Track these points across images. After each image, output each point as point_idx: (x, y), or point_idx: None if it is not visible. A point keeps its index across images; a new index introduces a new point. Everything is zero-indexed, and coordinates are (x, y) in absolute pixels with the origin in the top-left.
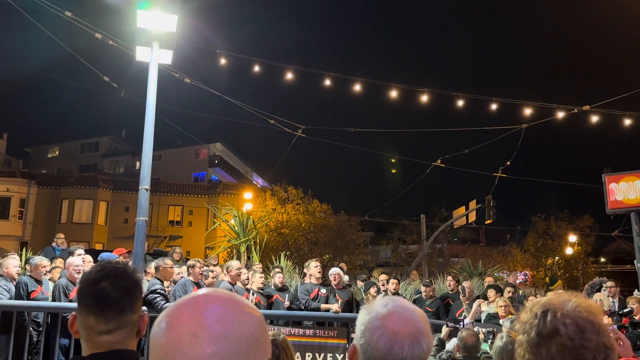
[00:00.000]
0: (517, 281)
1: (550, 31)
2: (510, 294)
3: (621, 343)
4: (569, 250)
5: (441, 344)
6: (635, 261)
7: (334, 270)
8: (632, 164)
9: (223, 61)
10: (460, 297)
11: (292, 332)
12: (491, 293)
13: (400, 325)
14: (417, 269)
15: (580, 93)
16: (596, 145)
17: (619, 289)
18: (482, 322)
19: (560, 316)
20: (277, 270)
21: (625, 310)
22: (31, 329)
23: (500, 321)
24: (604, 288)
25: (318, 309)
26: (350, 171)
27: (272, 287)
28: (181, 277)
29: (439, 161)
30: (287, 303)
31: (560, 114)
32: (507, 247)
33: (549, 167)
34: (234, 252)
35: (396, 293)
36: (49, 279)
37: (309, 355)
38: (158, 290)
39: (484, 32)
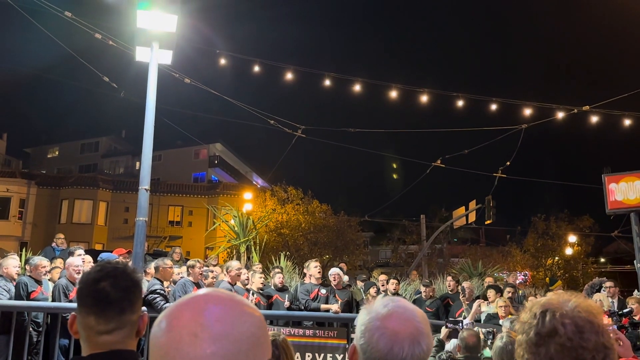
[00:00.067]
0: (517, 281)
1: (550, 31)
2: (510, 294)
3: (621, 343)
4: (568, 251)
5: (441, 345)
6: (635, 261)
7: (333, 271)
8: (632, 164)
9: (223, 61)
10: (460, 297)
11: (292, 333)
12: (491, 293)
13: (400, 326)
14: (417, 269)
15: (580, 93)
16: (596, 146)
17: (619, 289)
18: (482, 322)
19: (559, 316)
20: (277, 270)
21: (625, 311)
22: (31, 329)
23: (500, 321)
24: (603, 288)
25: (318, 309)
26: (350, 171)
27: (272, 287)
28: (181, 278)
29: (438, 161)
30: (287, 303)
31: (560, 114)
32: (507, 248)
33: (549, 168)
34: (234, 253)
35: (396, 293)
36: (49, 279)
37: (308, 356)
38: (158, 291)
39: (484, 32)
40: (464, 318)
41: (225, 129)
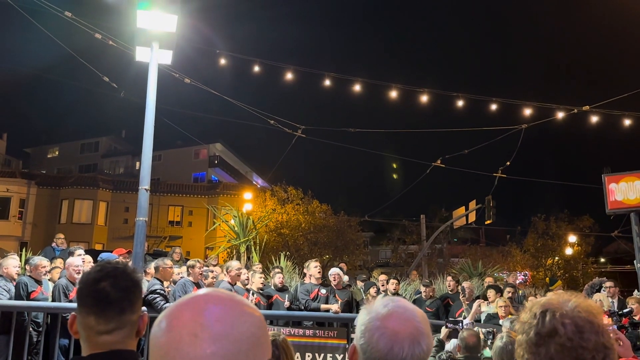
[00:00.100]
0: (517, 281)
1: (550, 31)
2: (510, 294)
3: (621, 343)
4: (568, 251)
5: (441, 345)
6: (635, 261)
7: (333, 271)
8: (632, 164)
9: (223, 61)
10: (460, 297)
11: (292, 333)
12: (491, 293)
13: (400, 326)
14: (417, 269)
15: (580, 93)
16: (596, 146)
17: (619, 289)
18: (482, 322)
19: (559, 316)
20: (276, 270)
21: (625, 311)
22: (31, 329)
23: (500, 321)
24: (603, 288)
25: (318, 309)
26: (350, 171)
27: (272, 287)
28: (181, 278)
29: (438, 161)
30: (287, 303)
31: (560, 114)
32: (507, 248)
33: (549, 168)
34: (234, 253)
35: (396, 293)
36: (49, 279)
37: (308, 356)
38: (158, 291)
39: (484, 32)
40: (464, 318)
41: (225, 129)
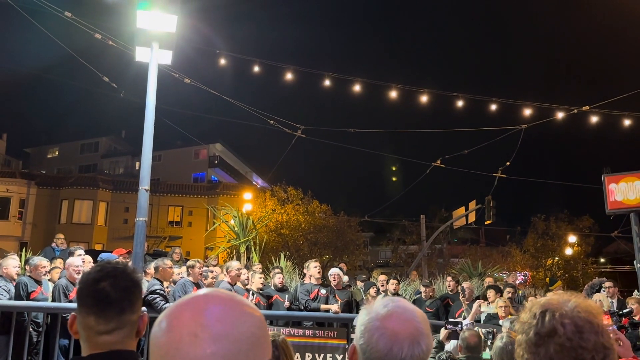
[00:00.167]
0: (517, 281)
1: (550, 31)
2: (509, 295)
3: (621, 343)
4: (568, 251)
5: (440, 346)
6: (635, 262)
7: (333, 271)
8: (632, 164)
9: (223, 61)
10: (460, 297)
11: (292, 333)
12: (491, 293)
13: (399, 326)
14: (416, 269)
15: (580, 93)
16: (596, 146)
17: (618, 290)
18: (482, 322)
19: (558, 316)
20: (276, 270)
21: (625, 311)
22: (31, 329)
23: (500, 321)
24: (603, 288)
25: (318, 310)
26: (350, 171)
27: (272, 287)
28: (181, 278)
29: (438, 162)
30: (286, 303)
31: (560, 115)
32: (506, 248)
33: (548, 168)
34: (234, 253)
35: (396, 293)
36: (49, 280)
37: (308, 356)
38: (157, 291)
39: (484, 32)
40: (464, 318)
41: (225, 129)
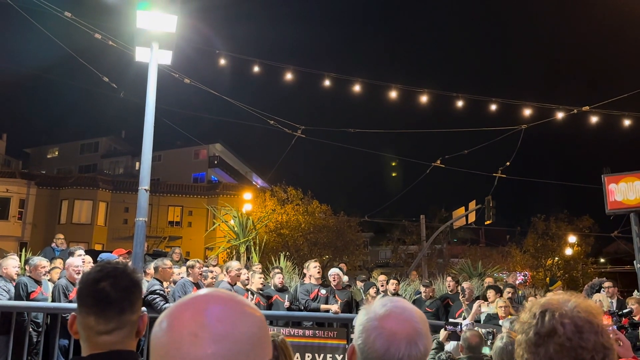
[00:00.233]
0: (517, 282)
1: (550, 31)
2: (509, 295)
3: (621, 343)
4: (568, 251)
5: (440, 347)
6: (634, 262)
7: (333, 271)
8: (632, 164)
9: (223, 61)
10: (460, 297)
11: (292, 333)
12: (491, 294)
13: (397, 326)
14: (416, 269)
15: (580, 93)
16: (596, 146)
17: (617, 290)
18: (482, 322)
19: (558, 316)
20: (276, 270)
21: (625, 311)
22: (31, 329)
23: (500, 322)
24: (603, 289)
25: (318, 310)
26: (350, 172)
27: (272, 287)
28: (181, 278)
29: (438, 162)
30: (286, 304)
31: (560, 115)
32: (506, 248)
33: (548, 168)
34: (234, 253)
35: (396, 294)
36: (48, 280)
37: (308, 356)
38: (157, 291)
39: (484, 32)
40: (464, 319)
41: (225, 129)
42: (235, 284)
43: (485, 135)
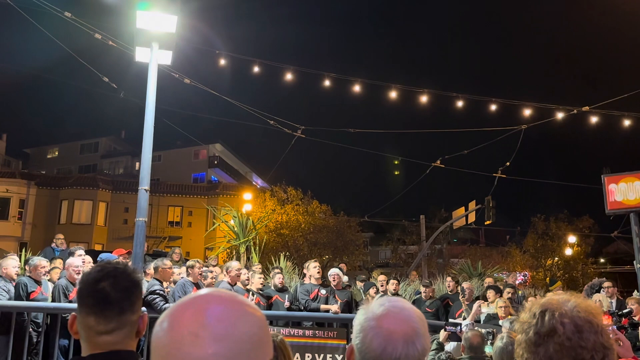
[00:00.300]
0: (517, 282)
1: (550, 31)
2: (509, 295)
3: (621, 343)
4: (568, 251)
5: (440, 347)
6: (634, 262)
7: (333, 271)
8: (632, 164)
9: (223, 62)
10: (460, 298)
11: (292, 333)
12: (490, 294)
13: (395, 326)
14: (416, 269)
15: (580, 93)
16: (596, 146)
17: (617, 290)
18: (482, 322)
19: (558, 316)
20: (276, 270)
21: (624, 311)
22: (31, 329)
23: (500, 322)
24: (603, 289)
25: (317, 310)
26: (349, 172)
27: (272, 287)
28: (181, 278)
29: (438, 162)
30: (286, 304)
31: (560, 115)
32: (506, 248)
33: (548, 168)
34: (234, 253)
35: (396, 294)
36: (48, 280)
37: (308, 356)
38: (157, 291)
39: (484, 32)
40: (464, 319)
41: (225, 129)
42: (235, 284)
43: (485, 135)
